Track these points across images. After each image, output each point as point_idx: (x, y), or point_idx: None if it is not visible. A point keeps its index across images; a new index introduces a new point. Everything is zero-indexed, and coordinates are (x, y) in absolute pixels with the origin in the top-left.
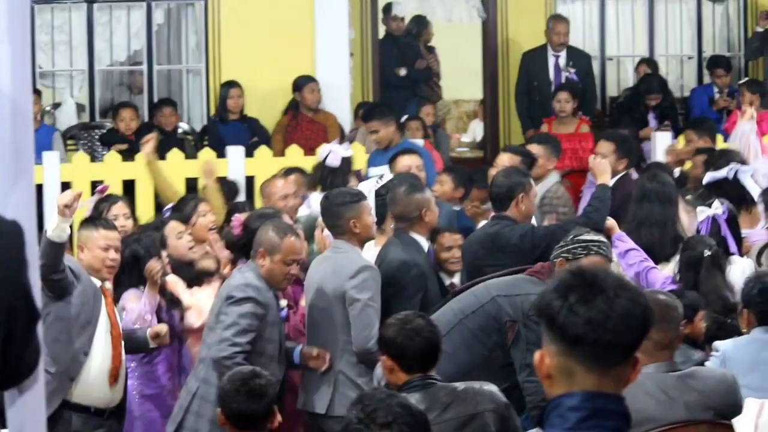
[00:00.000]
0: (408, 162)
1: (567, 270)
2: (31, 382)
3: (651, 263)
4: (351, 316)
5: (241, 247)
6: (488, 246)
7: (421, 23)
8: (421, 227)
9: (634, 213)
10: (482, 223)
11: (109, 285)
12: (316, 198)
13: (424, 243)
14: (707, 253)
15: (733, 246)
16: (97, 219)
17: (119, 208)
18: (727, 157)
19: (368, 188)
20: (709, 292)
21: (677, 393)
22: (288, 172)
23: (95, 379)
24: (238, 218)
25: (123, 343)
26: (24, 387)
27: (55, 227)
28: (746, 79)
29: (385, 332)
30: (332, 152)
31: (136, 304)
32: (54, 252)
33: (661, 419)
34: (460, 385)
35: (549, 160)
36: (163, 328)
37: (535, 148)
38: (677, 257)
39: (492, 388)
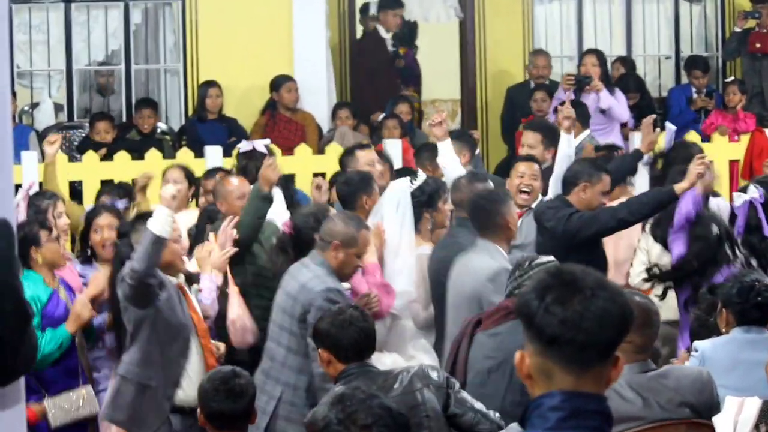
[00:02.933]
0: (366, 157)
1: (546, 270)
2: (12, 399)
3: None
4: None
5: (292, 246)
6: (537, 220)
7: (413, 29)
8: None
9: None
10: None
11: (182, 280)
12: None
13: None
14: (715, 230)
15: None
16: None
17: (103, 219)
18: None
19: (402, 189)
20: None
21: (651, 393)
22: (213, 171)
23: (191, 379)
24: (287, 222)
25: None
26: (5, 404)
27: (163, 221)
28: (732, 78)
29: (318, 325)
30: (256, 143)
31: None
32: (157, 251)
33: (636, 419)
34: (396, 369)
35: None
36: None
37: (531, 138)
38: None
39: (431, 371)
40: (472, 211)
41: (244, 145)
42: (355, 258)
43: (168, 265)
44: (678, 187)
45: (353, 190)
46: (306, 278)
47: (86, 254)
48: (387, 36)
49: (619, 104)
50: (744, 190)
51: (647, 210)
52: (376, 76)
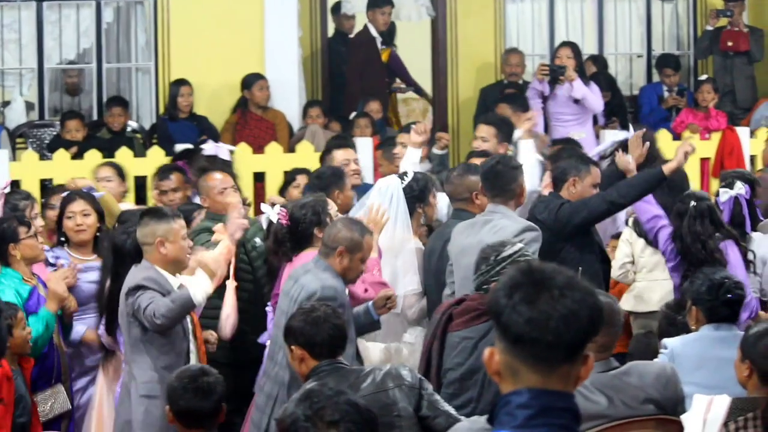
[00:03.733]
0: (343, 156)
1: (517, 267)
2: None
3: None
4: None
5: (289, 238)
6: (531, 214)
7: (392, 29)
8: (474, 208)
9: None
10: None
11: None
12: None
13: None
14: (693, 204)
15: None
16: (167, 210)
17: (76, 206)
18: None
19: (395, 186)
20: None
21: (614, 391)
22: (167, 170)
23: None
24: (284, 211)
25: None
26: None
27: (204, 292)
28: (706, 76)
29: (291, 323)
30: (219, 147)
31: None
32: (187, 312)
33: (601, 418)
34: (368, 367)
35: (499, 145)
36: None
37: (484, 130)
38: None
39: (403, 370)
40: (489, 174)
41: (208, 148)
42: (359, 263)
43: (176, 262)
44: (666, 168)
45: (325, 185)
46: (306, 280)
47: (60, 239)
48: (376, 34)
49: (593, 94)
50: (730, 185)
51: (637, 192)
52: (366, 73)
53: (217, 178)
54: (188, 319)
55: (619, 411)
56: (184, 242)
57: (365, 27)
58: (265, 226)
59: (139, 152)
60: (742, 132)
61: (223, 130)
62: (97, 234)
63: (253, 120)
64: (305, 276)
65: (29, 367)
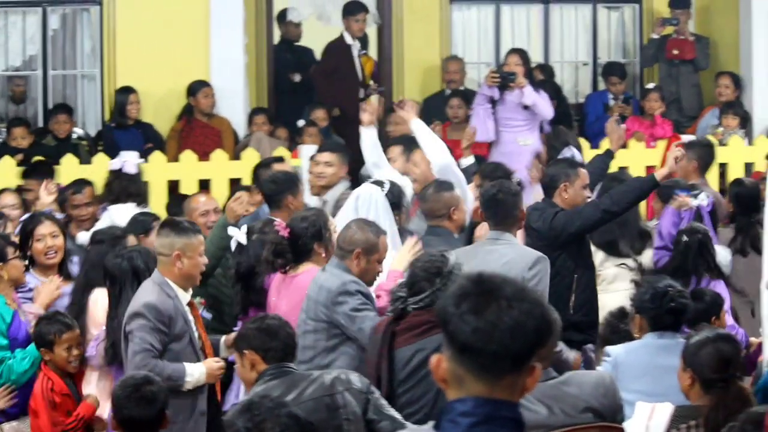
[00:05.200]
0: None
1: (467, 276)
2: None
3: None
4: None
5: (290, 250)
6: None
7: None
8: (450, 225)
9: None
10: None
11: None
12: (117, 210)
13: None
14: (684, 238)
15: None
16: (188, 225)
17: (45, 228)
18: (563, 137)
19: (376, 194)
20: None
21: (553, 400)
22: (80, 183)
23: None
24: (281, 223)
25: None
26: None
27: (196, 380)
28: (653, 85)
29: (246, 330)
30: (126, 161)
31: None
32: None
33: (541, 427)
34: (316, 372)
35: (341, 167)
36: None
37: (327, 156)
38: (649, 251)
39: (352, 375)
40: (490, 203)
41: (114, 163)
42: (376, 264)
43: (189, 278)
44: (659, 175)
45: (280, 189)
46: (323, 279)
47: (26, 262)
48: (352, 41)
49: (543, 101)
50: (696, 196)
51: (630, 199)
52: (337, 79)
53: (201, 200)
54: (197, 336)
55: (559, 420)
56: (201, 258)
57: (341, 35)
58: (234, 248)
59: (85, 159)
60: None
61: (168, 138)
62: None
63: (198, 127)
64: (323, 276)
65: (79, 379)
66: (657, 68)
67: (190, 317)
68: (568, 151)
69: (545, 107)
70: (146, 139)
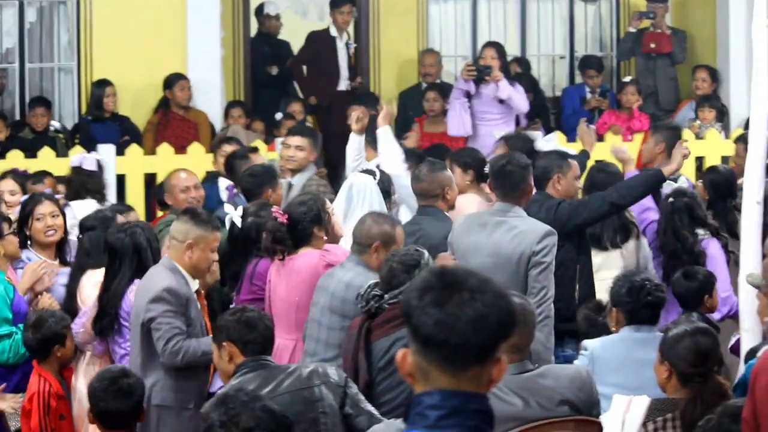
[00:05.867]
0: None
1: (431, 269)
2: None
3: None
4: (533, 276)
5: (290, 236)
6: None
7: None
8: (442, 204)
9: None
10: None
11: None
12: (77, 206)
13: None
14: (670, 200)
15: None
16: (208, 217)
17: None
18: (525, 138)
19: (370, 184)
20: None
21: (529, 393)
22: (41, 174)
23: None
24: (278, 209)
25: None
26: None
27: None
28: (630, 78)
29: (224, 320)
30: (86, 158)
31: None
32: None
33: (516, 420)
34: (292, 365)
35: (311, 152)
36: None
37: (298, 140)
38: (630, 243)
39: (329, 369)
40: (498, 174)
41: (74, 159)
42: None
43: (196, 269)
44: (666, 170)
45: (259, 183)
46: (349, 277)
47: (24, 240)
48: (336, 35)
49: (518, 95)
50: (674, 179)
51: (637, 193)
52: (318, 69)
53: (181, 176)
54: (204, 325)
55: (535, 412)
56: (212, 254)
57: (328, 26)
58: (228, 227)
59: (62, 152)
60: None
61: (145, 130)
62: (62, 237)
63: (175, 120)
64: (347, 274)
65: (70, 375)
66: (634, 62)
67: (198, 305)
68: (546, 143)
69: (521, 101)
70: (123, 132)
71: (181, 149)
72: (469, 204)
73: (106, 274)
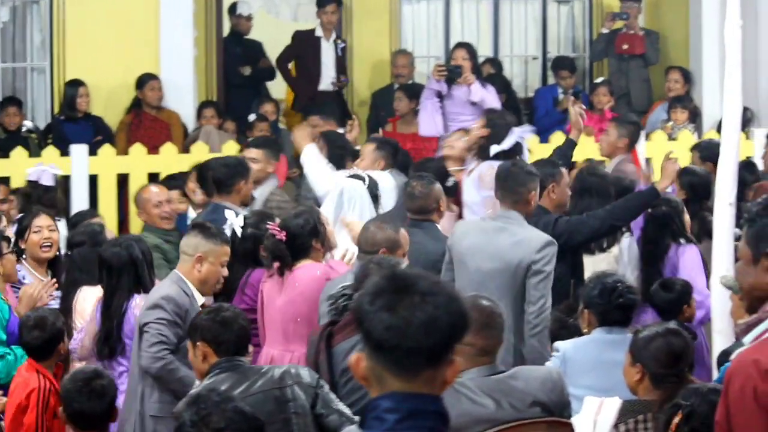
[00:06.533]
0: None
1: (381, 273)
2: None
3: None
4: (532, 285)
5: (290, 250)
6: None
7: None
8: (437, 217)
9: (574, 205)
10: None
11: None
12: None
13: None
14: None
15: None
16: (217, 231)
17: (43, 221)
18: (507, 123)
19: (359, 188)
20: None
21: (501, 395)
22: None
23: None
24: (275, 226)
25: None
26: None
27: None
28: (602, 79)
29: (198, 320)
30: (44, 172)
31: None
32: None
33: (489, 421)
34: (265, 366)
35: (268, 164)
36: None
37: (254, 152)
38: (614, 249)
39: (302, 370)
40: (502, 175)
41: (32, 173)
42: (402, 258)
43: (205, 283)
44: (660, 186)
45: (232, 173)
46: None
47: (19, 255)
48: (322, 34)
49: (490, 96)
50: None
51: (633, 213)
52: (300, 67)
53: (153, 191)
54: None
55: (507, 414)
56: (222, 269)
57: (315, 26)
58: (229, 234)
59: (35, 152)
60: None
61: (117, 130)
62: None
63: (147, 120)
64: (346, 280)
65: (59, 374)
66: (607, 63)
67: None
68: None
69: (493, 103)
70: (96, 132)
71: (153, 149)
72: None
73: (105, 291)
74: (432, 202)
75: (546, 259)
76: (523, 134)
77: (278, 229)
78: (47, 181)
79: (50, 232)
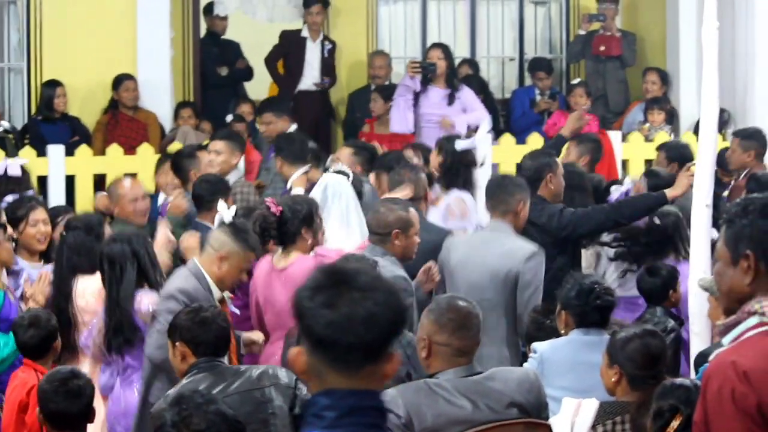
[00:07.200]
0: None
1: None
2: None
3: None
4: (524, 300)
5: (278, 229)
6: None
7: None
8: (423, 206)
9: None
10: None
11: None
12: None
13: None
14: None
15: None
16: (249, 237)
17: (39, 214)
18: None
19: (343, 183)
20: None
21: (478, 396)
22: None
23: None
24: (272, 200)
25: None
26: None
27: None
28: (578, 80)
29: (177, 320)
30: (9, 165)
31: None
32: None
33: (466, 422)
34: (243, 367)
35: (232, 156)
36: (260, 336)
37: (218, 145)
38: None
39: (280, 371)
40: (491, 185)
41: None
42: (414, 237)
43: (222, 282)
44: (670, 194)
45: (213, 189)
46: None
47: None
48: (308, 35)
49: (478, 113)
50: (620, 182)
51: (639, 213)
52: (286, 67)
53: (127, 186)
54: None
55: (484, 415)
56: (241, 274)
57: (302, 27)
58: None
59: (12, 153)
60: (614, 136)
61: (94, 131)
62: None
63: (124, 120)
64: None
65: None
66: (584, 64)
67: None
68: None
69: (481, 116)
70: (73, 133)
71: (130, 150)
72: None
73: (108, 285)
74: (421, 189)
75: (534, 270)
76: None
77: (275, 203)
78: (14, 171)
79: (45, 226)
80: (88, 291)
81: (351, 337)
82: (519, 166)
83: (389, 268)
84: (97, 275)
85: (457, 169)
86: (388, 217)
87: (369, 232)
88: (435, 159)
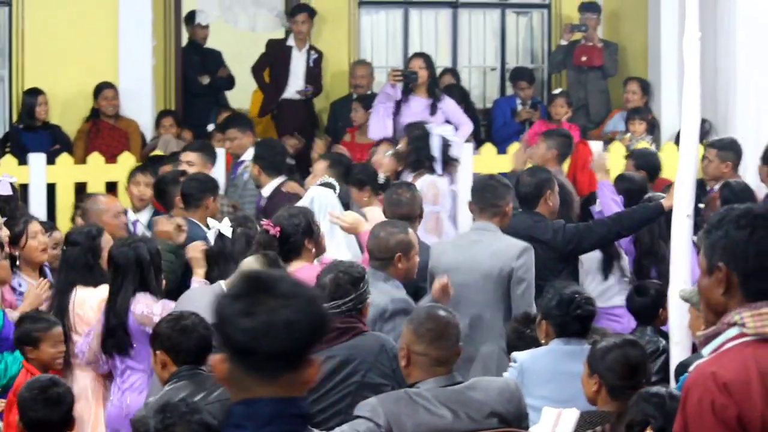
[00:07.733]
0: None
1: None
2: None
3: None
4: (518, 296)
5: (281, 246)
6: (525, 238)
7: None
8: (418, 223)
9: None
10: None
11: None
12: None
13: None
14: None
15: None
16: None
17: (36, 226)
18: (425, 132)
19: (330, 195)
20: None
21: (459, 405)
22: None
23: None
24: (269, 222)
25: None
26: None
27: None
28: (560, 90)
29: (158, 328)
30: (1, 183)
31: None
32: None
33: (446, 431)
34: None
35: (204, 167)
36: None
37: (190, 156)
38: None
39: None
40: (478, 187)
41: None
42: (415, 258)
43: None
44: (666, 204)
45: (202, 188)
46: (380, 300)
47: (13, 261)
48: (293, 44)
49: (463, 127)
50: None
51: (639, 225)
52: (271, 76)
53: (106, 201)
54: None
55: (465, 424)
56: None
57: (287, 36)
58: (213, 239)
59: None
60: (595, 146)
61: (75, 139)
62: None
63: (105, 129)
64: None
65: None
66: (565, 74)
67: None
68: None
69: (466, 127)
70: (54, 141)
71: (111, 158)
72: (379, 215)
73: (110, 289)
74: (417, 208)
75: (526, 266)
76: (444, 133)
77: (272, 225)
78: (4, 191)
79: (43, 236)
80: (88, 303)
81: (270, 345)
82: (517, 182)
83: (393, 292)
84: (99, 288)
85: (418, 154)
86: (389, 242)
87: (370, 258)
88: (403, 145)
